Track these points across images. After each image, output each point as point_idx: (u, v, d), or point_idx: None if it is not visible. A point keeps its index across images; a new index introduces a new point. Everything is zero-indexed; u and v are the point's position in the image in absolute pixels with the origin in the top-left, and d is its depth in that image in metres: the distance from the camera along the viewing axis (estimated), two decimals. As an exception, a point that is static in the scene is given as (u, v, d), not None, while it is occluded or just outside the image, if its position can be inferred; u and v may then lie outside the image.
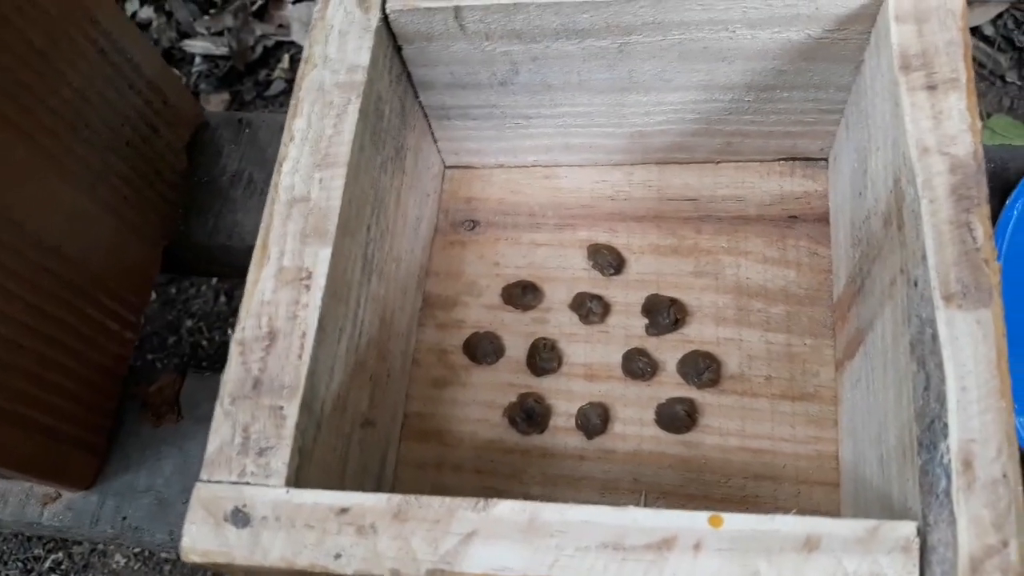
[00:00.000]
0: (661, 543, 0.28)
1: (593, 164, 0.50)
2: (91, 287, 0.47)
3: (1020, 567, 0.26)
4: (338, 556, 0.29)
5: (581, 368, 0.45)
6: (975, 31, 0.91)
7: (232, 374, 0.33)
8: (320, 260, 0.35)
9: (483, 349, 0.46)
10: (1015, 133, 0.85)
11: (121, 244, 0.50)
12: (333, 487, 0.31)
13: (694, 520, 0.28)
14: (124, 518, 0.49)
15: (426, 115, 0.47)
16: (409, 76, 0.44)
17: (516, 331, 0.46)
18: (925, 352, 0.30)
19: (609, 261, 0.47)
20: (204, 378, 0.52)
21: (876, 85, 0.37)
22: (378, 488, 0.42)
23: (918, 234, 0.31)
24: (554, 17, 0.39)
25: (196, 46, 1.05)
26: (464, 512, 0.29)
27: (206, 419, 0.33)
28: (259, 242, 0.35)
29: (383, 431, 0.42)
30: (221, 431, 0.32)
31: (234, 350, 0.33)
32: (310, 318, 0.34)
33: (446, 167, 0.51)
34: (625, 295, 0.46)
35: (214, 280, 0.94)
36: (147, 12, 1.07)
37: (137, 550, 0.85)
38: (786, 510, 0.40)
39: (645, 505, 0.41)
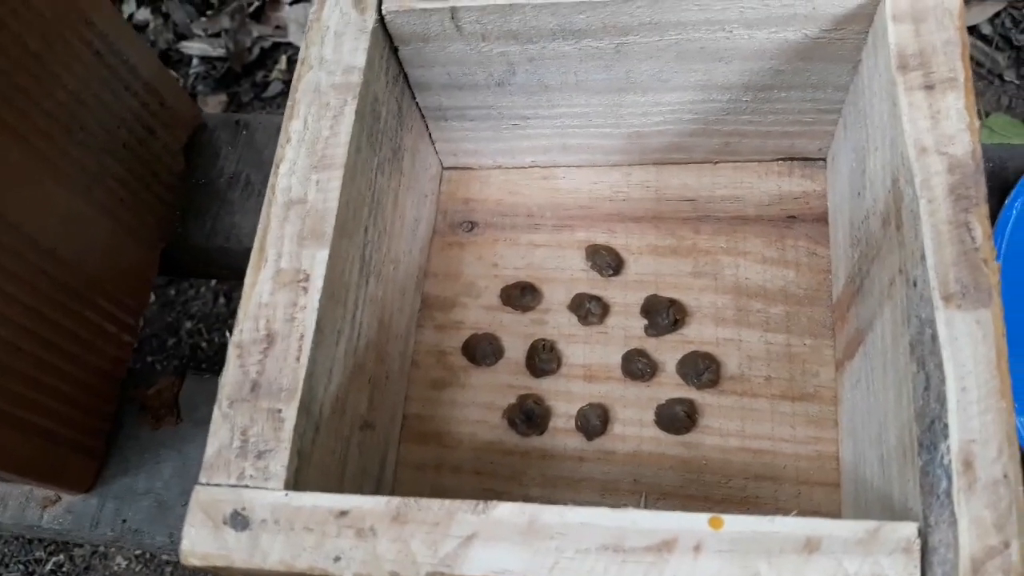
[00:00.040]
0: (661, 545, 0.28)
1: (591, 165, 0.50)
2: (88, 290, 0.47)
3: (1022, 568, 0.26)
4: (337, 559, 0.29)
5: (580, 369, 0.45)
6: (973, 30, 0.91)
7: (230, 377, 0.33)
8: (317, 262, 0.34)
9: (482, 350, 0.46)
10: (1013, 132, 0.85)
11: (118, 247, 0.50)
12: (332, 490, 0.31)
13: (694, 522, 0.28)
14: (124, 521, 0.49)
15: (423, 116, 0.47)
16: (406, 77, 0.44)
17: (515, 332, 0.46)
18: (925, 352, 0.30)
19: (608, 262, 0.47)
20: (203, 380, 0.52)
21: (874, 85, 0.37)
22: (377, 490, 0.42)
23: (917, 234, 0.31)
24: (551, 18, 0.39)
25: (193, 48, 1.05)
26: (464, 514, 0.29)
27: (205, 421, 0.32)
28: (256, 244, 0.35)
29: (382, 433, 0.42)
30: (219, 434, 0.32)
31: (232, 353, 0.33)
32: (308, 320, 0.34)
33: (444, 168, 0.51)
34: (624, 296, 0.46)
35: (213, 282, 0.94)
36: (144, 14, 1.07)
37: (138, 552, 0.85)
38: (787, 511, 0.40)
39: (645, 506, 0.41)
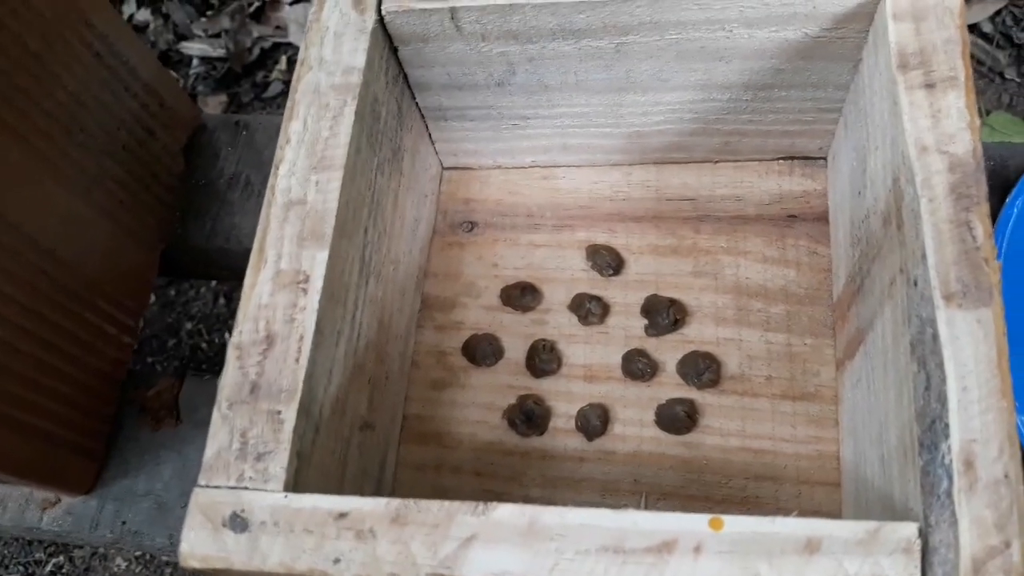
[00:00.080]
0: (661, 546, 0.28)
1: (591, 164, 0.50)
2: (88, 291, 0.47)
3: (1022, 568, 0.26)
4: (337, 561, 0.29)
5: (580, 369, 0.45)
6: (973, 28, 0.91)
7: (229, 379, 0.33)
8: (317, 263, 0.34)
9: (482, 351, 0.46)
10: (1014, 130, 0.85)
11: (118, 248, 0.50)
12: (332, 491, 0.31)
13: (694, 523, 0.28)
14: (124, 522, 0.49)
15: (423, 116, 0.47)
16: (406, 77, 0.44)
17: (515, 332, 0.46)
18: (925, 352, 0.30)
19: (608, 262, 0.46)
20: (203, 382, 0.52)
21: (874, 84, 0.37)
22: (378, 491, 0.42)
23: (917, 233, 0.31)
24: (550, 18, 0.39)
25: (193, 48, 1.05)
26: (463, 516, 0.29)
27: (205, 423, 0.32)
28: (256, 245, 0.35)
29: (382, 434, 0.42)
30: (219, 436, 0.32)
31: (231, 354, 0.33)
32: (307, 321, 0.33)
33: (444, 168, 0.51)
34: (624, 296, 0.46)
35: (213, 282, 0.94)
36: (144, 14, 1.07)
37: (138, 553, 0.85)
38: (787, 511, 0.40)
39: (646, 507, 0.41)
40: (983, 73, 0.90)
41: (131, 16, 1.07)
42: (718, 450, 0.42)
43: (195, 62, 1.05)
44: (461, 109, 0.46)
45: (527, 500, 0.30)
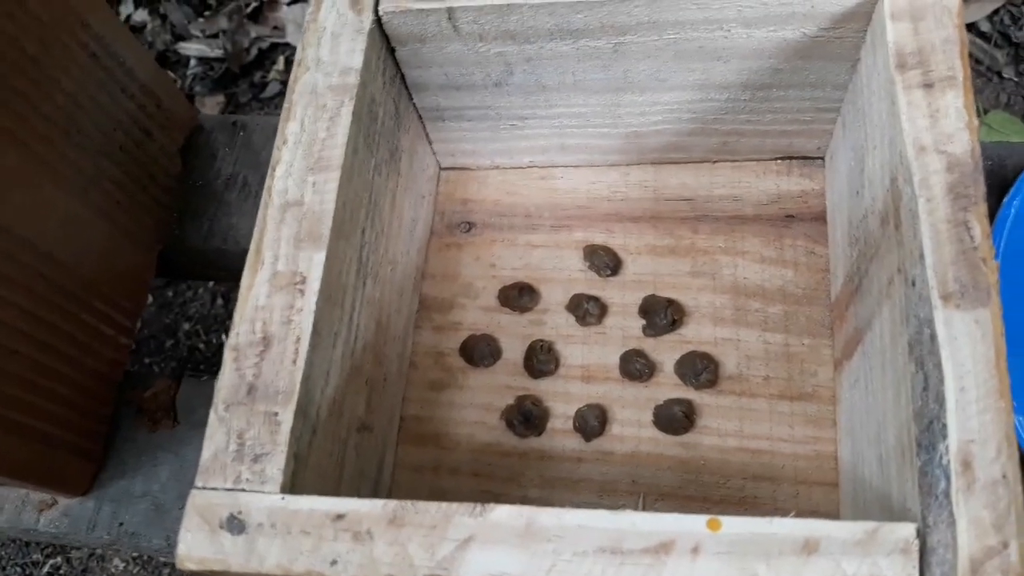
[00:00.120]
0: (659, 547, 0.28)
1: (589, 165, 0.50)
2: (85, 292, 0.47)
3: (1020, 568, 0.26)
4: (334, 563, 0.29)
5: (578, 370, 0.45)
6: (971, 27, 0.91)
7: (226, 380, 0.33)
8: (314, 264, 0.34)
9: (480, 351, 0.46)
10: (1012, 129, 0.85)
11: (115, 249, 0.49)
12: (329, 492, 0.31)
13: (692, 524, 0.28)
14: (121, 524, 0.49)
15: (420, 117, 0.47)
16: (403, 78, 0.44)
17: (513, 333, 0.46)
18: (923, 352, 0.30)
19: (606, 262, 0.46)
20: (200, 383, 0.51)
21: (872, 83, 0.37)
22: (375, 492, 0.42)
23: (915, 233, 0.31)
24: (548, 18, 0.39)
25: (191, 49, 1.05)
26: (461, 517, 0.29)
27: (202, 424, 0.32)
28: (252, 247, 0.35)
29: (380, 435, 0.42)
30: (216, 438, 0.32)
31: (228, 356, 0.33)
32: (304, 323, 0.33)
33: (441, 169, 0.51)
34: (622, 296, 0.46)
35: (211, 283, 0.94)
36: (141, 15, 1.07)
37: (135, 555, 0.85)
38: (785, 511, 0.40)
39: (644, 507, 0.41)
40: (981, 72, 0.90)
41: (128, 16, 1.06)
42: (716, 450, 0.42)
43: (192, 63, 1.04)
44: (459, 109, 0.46)
45: (525, 501, 0.30)
